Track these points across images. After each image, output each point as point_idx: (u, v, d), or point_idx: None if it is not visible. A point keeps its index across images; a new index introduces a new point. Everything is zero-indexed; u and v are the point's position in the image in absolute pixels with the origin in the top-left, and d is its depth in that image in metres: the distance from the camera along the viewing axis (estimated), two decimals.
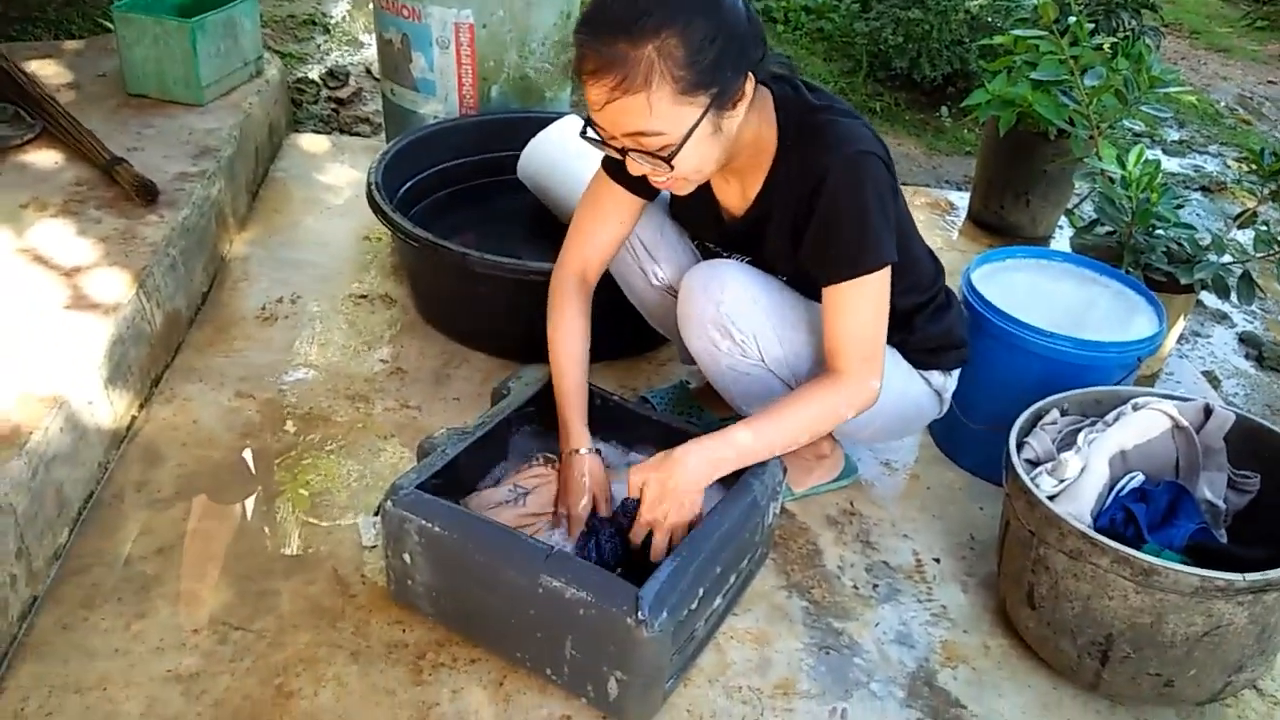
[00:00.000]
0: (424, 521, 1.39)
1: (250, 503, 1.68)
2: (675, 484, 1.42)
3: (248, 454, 1.78)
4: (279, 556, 1.58)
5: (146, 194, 2.10)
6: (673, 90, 1.28)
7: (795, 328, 1.56)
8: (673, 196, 1.69)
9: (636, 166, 1.37)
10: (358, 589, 1.53)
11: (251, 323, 2.13)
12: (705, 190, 1.59)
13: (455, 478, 1.54)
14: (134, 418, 1.82)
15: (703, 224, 1.66)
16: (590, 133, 1.38)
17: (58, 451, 1.53)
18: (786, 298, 1.57)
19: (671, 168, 1.34)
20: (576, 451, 1.56)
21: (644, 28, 1.25)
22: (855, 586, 1.65)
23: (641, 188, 1.60)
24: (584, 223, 1.66)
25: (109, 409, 1.71)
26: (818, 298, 1.50)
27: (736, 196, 1.57)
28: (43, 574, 1.48)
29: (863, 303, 1.47)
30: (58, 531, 1.53)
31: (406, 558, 1.43)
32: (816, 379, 1.50)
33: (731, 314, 1.52)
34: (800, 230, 1.47)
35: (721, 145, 1.39)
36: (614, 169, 1.59)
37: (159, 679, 1.36)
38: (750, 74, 1.36)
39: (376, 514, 1.44)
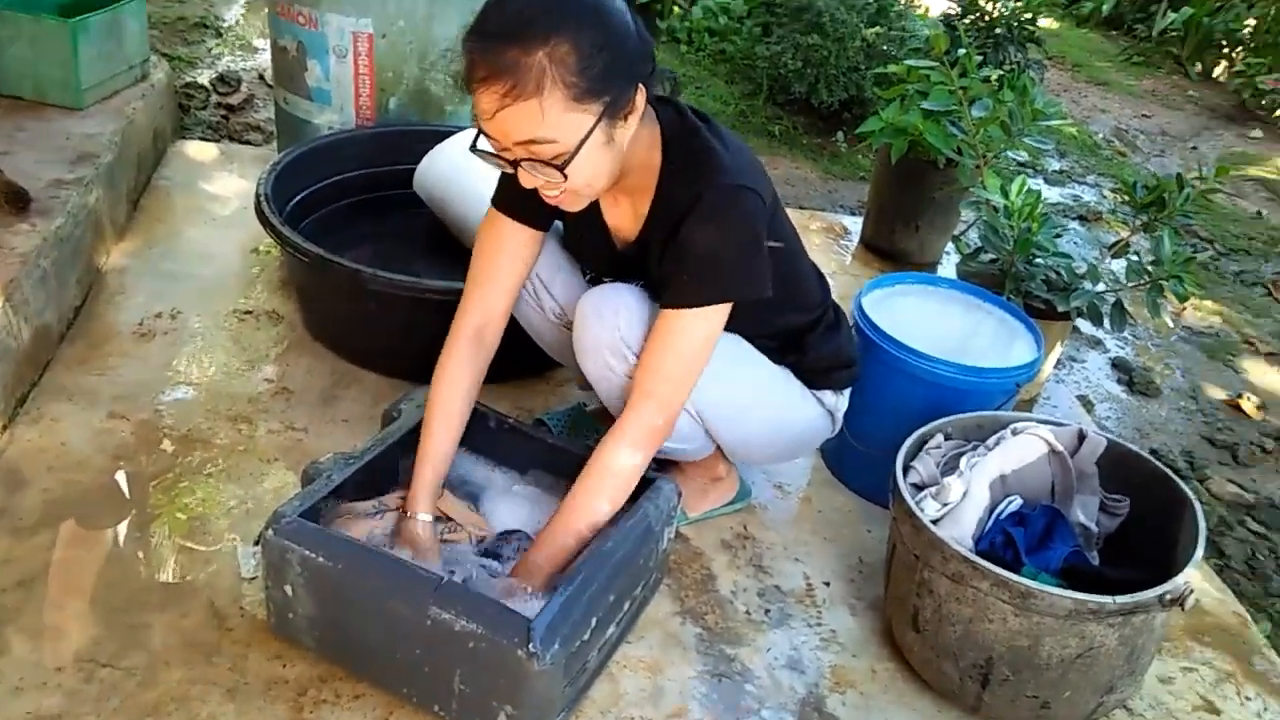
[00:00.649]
0: (307, 551, 1.34)
1: (122, 530, 1.60)
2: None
3: (120, 478, 1.70)
4: (151, 587, 1.51)
5: (17, 201, 1.99)
6: (564, 96, 1.27)
7: None
8: (565, 226, 1.68)
9: (529, 178, 1.35)
10: (235, 622, 1.47)
11: (127, 339, 2.04)
12: (597, 215, 1.58)
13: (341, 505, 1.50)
14: None
15: (595, 250, 1.65)
16: (481, 144, 1.35)
17: None
18: None
19: (565, 177, 1.33)
20: (414, 516, 1.51)
21: (534, 34, 1.24)
22: (748, 612, 1.67)
23: (534, 217, 1.58)
24: (481, 269, 1.60)
25: None
26: None
27: (628, 219, 1.56)
28: None
29: (688, 335, 1.45)
30: None
31: (288, 589, 1.38)
32: (603, 442, 1.48)
33: (627, 338, 1.51)
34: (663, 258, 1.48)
35: (613, 157, 1.38)
36: (506, 201, 1.57)
37: None
38: (642, 86, 1.36)
39: (257, 543, 1.39)
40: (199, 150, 2.87)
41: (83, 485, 1.67)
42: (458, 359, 1.57)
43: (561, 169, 1.31)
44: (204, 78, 3.42)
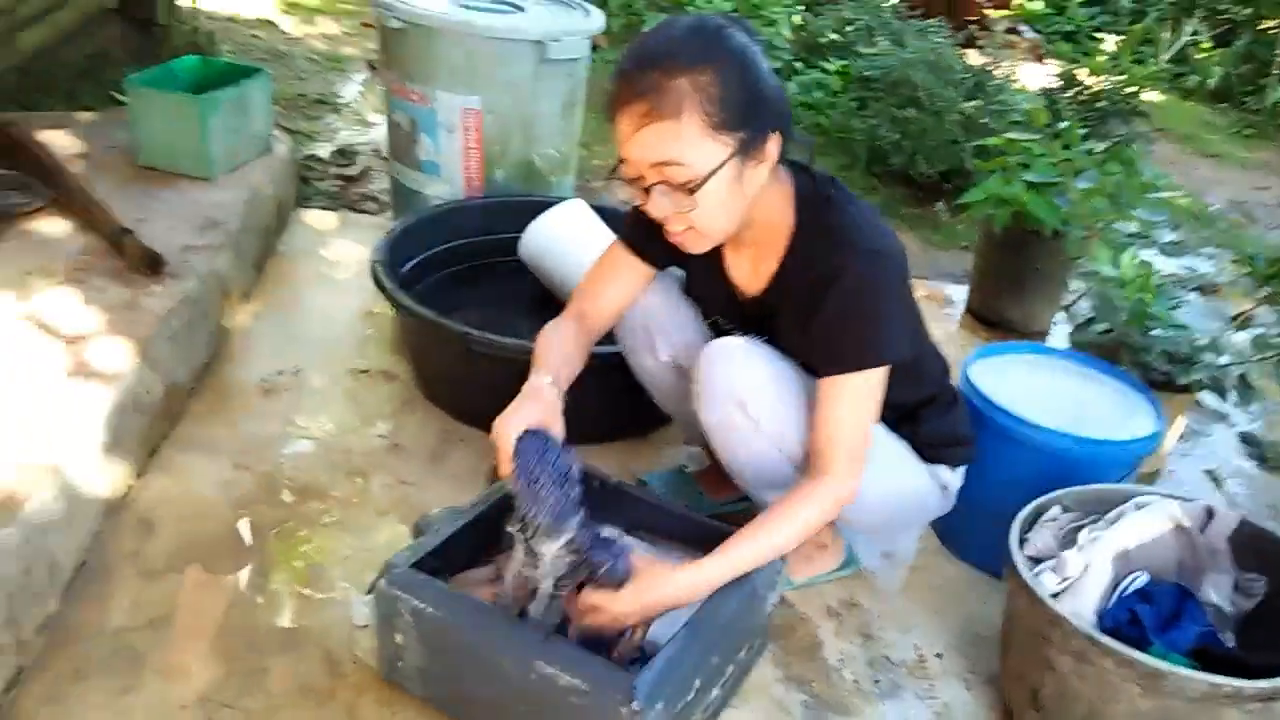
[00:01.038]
0: (417, 602, 1.36)
1: (243, 576, 1.65)
2: (646, 605, 1.38)
3: (242, 526, 1.76)
4: (270, 632, 1.55)
5: (152, 265, 2.11)
6: (702, 123, 1.32)
7: (807, 411, 1.56)
8: (688, 275, 1.70)
9: (658, 206, 1.38)
10: (348, 668, 1.49)
11: (252, 394, 2.13)
12: (718, 266, 1.61)
13: (449, 557, 1.52)
14: (130, 487, 1.80)
15: (715, 300, 1.67)
16: (618, 171, 1.40)
17: (51, 519, 1.50)
18: (801, 381, 1.57)
19: (694, 204, 1.35)
20: (537, 378, 1.51)
21: (679, 63, 1.31)
22: (856, 680, 1.62)
23: (653, 254, 1.64)
24: (592, 280, 1.69)
25: (105, 478, 1.69)
26: None
27: (749, 275, 1.59)
28: (31, 644, 1.45)
29: (854, 398, 1.47)
30: (47, 601, 1.50)
31: (398, 638, 1.40)
32: (796, 488, 1.48)
33: (748, 390, 1.52)
34: (808, 321, 1.49)
35: (741, 200, 1.41)
36: (630, 234, 1.64)
37: None
38: (777, 135, 1.40)
39: (369, 592, 1.42)
40: (318, 219, 3.01)
41: (207, 532, 1.73)
42: (561, 323, 1.63)
43: (692, 192, 1.34)
44: (323, 151, 3.59)
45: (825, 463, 1.48)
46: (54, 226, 2.27)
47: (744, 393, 1.52)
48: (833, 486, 1.47)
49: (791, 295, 1.52)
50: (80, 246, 2.20)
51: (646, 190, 1.38)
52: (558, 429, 1.44)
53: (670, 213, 1.39)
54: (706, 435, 1.61)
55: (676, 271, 1.76)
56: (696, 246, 1.46)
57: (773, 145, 1.41)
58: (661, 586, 1.38)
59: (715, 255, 1.62)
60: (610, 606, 1.36)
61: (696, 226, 1.40)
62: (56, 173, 2.39)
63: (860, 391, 1.47)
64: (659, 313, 1.73)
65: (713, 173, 1.35)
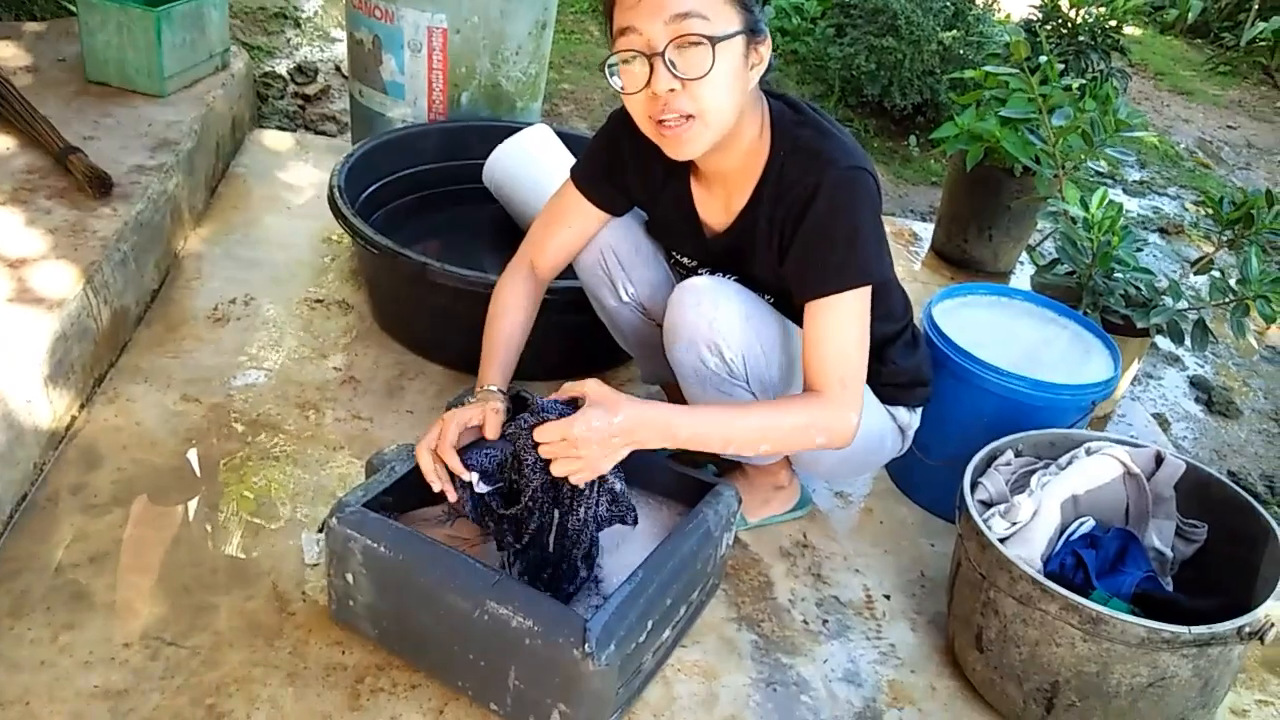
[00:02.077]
0: (369, 541, 1.35)
1: (191, 511, 1.63)
2: (616, 439, 1.33)
3: (191, 459, 1.74)
4: (218, 569, 1.53)
5: (100, 186, 2.04)
6: None
7: (783, 352, 1.54)
8: (652, 216, 1.67)
9: (665, 80, 1.32)
10: (297, 607, 1.49)
11: (202, 323, 2.08)
12: (687, 203, 1.58)
13: (403, 496, 1.51)
14: (74, 418, 1.76)
15: (685, 239, 1.64)
16: (614, 61, 1.35)
17: None
18: (776, 321, 1.55)
19: (707, 68, 1.30)
20: (484, 388, 1.52)
21: None
22: (805, 621, 1.64)
23: (608, 201, 1.61)
24: (543, 222, 1.67)
25: (48, 408, 1.66)
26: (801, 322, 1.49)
27: (720, 210, 1.56)
28: None
29: (846, 320, 1.43)
30: None
31: (349, 577, 1.39)
32: (800, 395, 1.46)
33: (724, 331, 1.49)
34: (787, 246, 1.46)
35: (740, 95, 1.38)
36: (585, 175, 1.61)
37: (85, 695, 1.31)
38: (769, 41, 1.39)
39: (320, 530, 1.41)
40: (276, 140, 2.92)
41: (154, 465, 1.70)
42: (513, 281, 1.65)
43: (714, 45, 1.30)
44: (282, 68, 3.48)
45: (821, 388, 1.43)
46: None
47: (718, 334, 1.49)
48: (827, 407, 1.42)
49: (766, 223, 1.49)
50: (25, 165, 2.13)
51: (650, 65, 1.32)
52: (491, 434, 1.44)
53: (678, 88, 1.33)
54: (678, 377, 1.59)
55: (638, 211, 1.72)
56: (693, 143, 1.38)
57: (765, 49, 1.39)
58: (635, 408, 1.33)
59: (683, 192, 1.58)
60: (581, 426, 1.30)
61: (701, 107, 1.34)
62: None
63: (852, 311, 1.43)
64: (621, 251, 1.70)
65: (730, 36, 1.31)
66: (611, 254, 1.69)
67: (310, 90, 3.40)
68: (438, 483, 1.41)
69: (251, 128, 2.95)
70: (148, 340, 2.00)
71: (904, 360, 1.68)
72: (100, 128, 2.32)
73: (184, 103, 2.52)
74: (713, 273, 1.62)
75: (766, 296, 1.58)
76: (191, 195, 2.38)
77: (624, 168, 1.59)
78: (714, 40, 1.30)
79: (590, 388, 1.37)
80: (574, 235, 1.65)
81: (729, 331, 1.49)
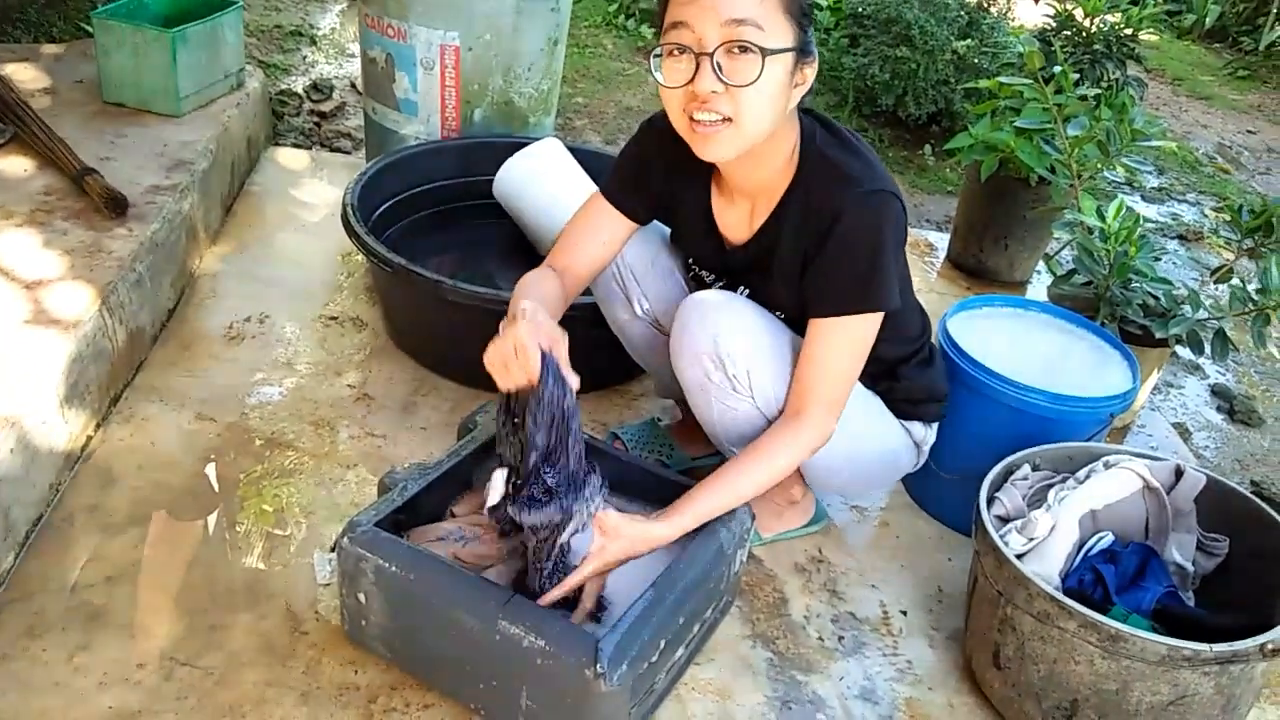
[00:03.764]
0: (380, 561, 1.35)
1: (205, 530, 1.64)
2: (624, 555, 1.40)
3: (206, 479, 1.74)
4: (232, 589, 1.53)
5: (116, 206, 2.06)
6: (781, 0, 1.30)
7: (791, 368, 1.54)
8: (674, 225, 1.66)
9: (709, 80, 1.31)
10: (311, 626, 1.49)
11: (217, 341, 2.09)
12: (707, 215, 1.58)
13: (415, 515, 1.51)
14: (89, 438, 1.77)
15: (700, 250, 1.64)
16: (659, 52, 1.35)
17: (7, 472, 1.48)
18: (784, 336, 1.55)
19: (753, 77, 1.30)
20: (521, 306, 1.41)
21: None
22: (820, 638, 1.63)
23: (637, 211, 1.61)
24: (570, 233, 1.64)
25: (64, 428, 1.67)
26: None
27: (740, 224, 1.56)
28: None
29: (847, 342, 1.46)
30: (2, 556, 1.48)
31: (361, 597, 1.39)
32: (771, 431, 1.48)
33: (728, 347, 1.49)
34: (808, 264, 1.46)
35: (780, 112, 1.37)
36: (614, 189, 1.60)
37: (100, 716, 1.32)
38: (815, 63, 1.39)
39: (333, 550, 1.41)
40: (291, 157, 2.94)
41: (170, 485, 1.71)
42: (541, 272, 1.58)
43: (764, 56, 1.29)
44: (298, 85, 3.50)
45: (804, 405, 1.47)
46: (15, 165, 2.21)
47: (723, 349, 1.49)
48: (808, 431, 1.46)
49: (790, 239, 1.48)
50: (42, 186, 2.15)
51: (697, 63, 1.31)
52: (561, 351, 1.37)
53: (721, 90, 1.32)
54: (684, 391, 1.58)
55: (657, 226, 1.72)
56: (723, 146, 1.37)
57: (811, 70, 1.39)
58: (622, 545, 1.38)
59: (704, 202, 1.58)
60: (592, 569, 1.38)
61: (740, 114, 1.33)
62: (16, 108, 2.32)
63: (854, 336, 1.45)
64: (636, 266, 1.69)
65: (781, 51, 1.31)
66: (627, 269, 1.69)
67: (326, 107, 3.43)
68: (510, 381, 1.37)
69: (267, 145, 2.97)
70: (163, 359, 2.01)
71: (918, 377, 1.67)
72: (116, 148, 2.34)
73: (199, 122, 2.54)
74: (728, 287, 1.61)
75: (779, 313, 1.57)
76: (207, 214, 2.40)
77: (650, 177, 1.59)
78: (765, 51, 1.30)
79: (599, 536, 1.38)
80: (602, 247, 1.63)
81: (733, 345, 1.49)
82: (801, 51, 1.35)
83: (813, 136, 1.47)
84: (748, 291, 1.60)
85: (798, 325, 1.56)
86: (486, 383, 2.02)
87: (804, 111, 1.49)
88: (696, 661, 1.54)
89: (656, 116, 1.54)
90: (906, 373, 1.65)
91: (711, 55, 1.30)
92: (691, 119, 1.36)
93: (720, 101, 1.33)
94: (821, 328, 1.45)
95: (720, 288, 1.64)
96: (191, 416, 1.87)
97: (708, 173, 1.52)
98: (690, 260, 1.70)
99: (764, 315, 1.54)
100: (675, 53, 1.33)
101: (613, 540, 1.38)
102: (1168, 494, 1.61)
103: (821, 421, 1.47)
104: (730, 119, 1.34)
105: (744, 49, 1.30)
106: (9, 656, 1.38)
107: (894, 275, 1.45)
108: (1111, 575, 1.51)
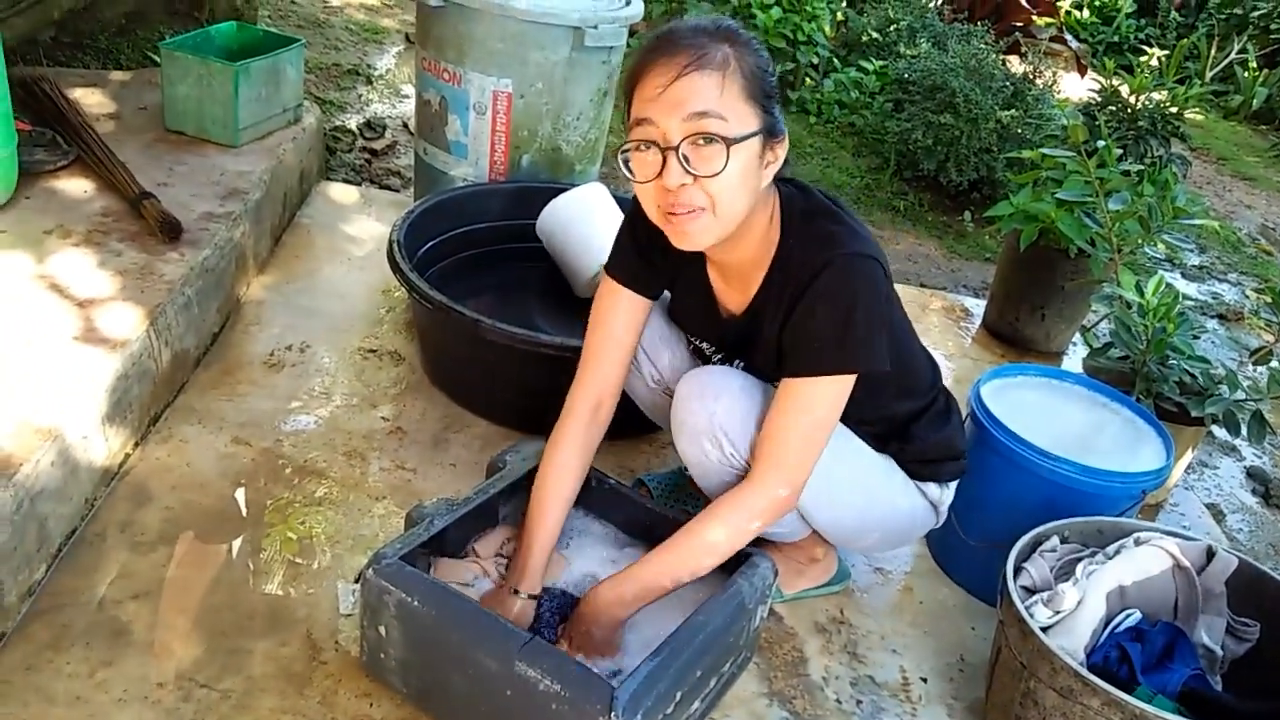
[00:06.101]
0: (403, 594, 1.36)
1: (233, 553, 1.66)
2: (586, 630, 1.46)
3: (237, 502, 1.77)
4: (255, 613, 1.55)
5: (170, 231, 2.11)
6: (741, 87, 1.32)
7: None
8: (673, 296, 1.68)
9: (676, 174, 1.32)
10: (330, 656, 1.50)
11: (258, 368, 2.13)
12: (705, 288, 1.59)
13: (441, 550, 1.52)
14: (127, 455, 1.81)
15: (702, 323, 1.65)
16: (628, 148, 1.36)
17: (46, 485, 1.51)
18: None
19: (720, 167, 1.31)
20: (516, 591, 1.51)
21: (721, 32, 1.34)
22: (839, 700, 1.61)
23: (646, 285, 1.60)
24: (595, 343, 1.60)
25: (103, 445, 1.70)
26: None
27: (735, 296, 1.57)
28: (14, 610, 1.46)
29: (814, 404, 1.43)
30: (35, 567, 1.51)
31: (382, 629, 1.40)
32: (729, 493, 1.47)
33: (724, 425, 1.50)
34: (784, 329, 1.47)
35: (753, 192, 1.38)
36: (621, 267, 1.59)
37: None
38: (785, 141, 1.40)
39: (356, 581, 1.42)
40: (341, 192, 3.01)
41: (202, 506, 1.74)
42: (572, 438, 1.58)
43: (728, 145, 1.31)
44: (352, 122, 3.59)
45: (767, 468, 1.44)
46: (77, 186, 2.28)
47: (718, 427, 1.49)
48: (754, 495, 1.44)
49: (774, 306, 1.49)
50: (101, 208, 2.21)
51: (664, 158, 1.33)
52: None
53: (690, 182, 1.33)
54: (685, 464, 1.59)
55: (663, 299, 1.74)
56: (701, 235, 1.38)
57: (782, 149, 1.40)
58: (582, 622, 1.46)
59: (703, 277, 1.59)
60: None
61: (714, 202, 1.34)
62: (82, 131, 2.40)
63: (820, 398, 1.42)
64: (646, 340, 1.69)
65: (747, 137, 1.33)
66: (638, 347, 1.70)
67: (378, 145, 3.51)
68: None
69: (319, 179, 3.04)
70: (205, 382, 2.05)
71: (933, 433, 1.65)
72: (174, 175, 2.41)
73: (256, 154, 2.61)
74: (726, 360, 1.62)
75: (774, 383, 1.57)
76: (257, 243, 2.45)
77: (650, 251, 1.57)
78: (729, 141, 1.31)
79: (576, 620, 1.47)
80: (624, 330, 1.61)
81: (730, 425, 1.49)
82: (769, 133, 1.36)
83: (791, 203, 1.48)
84: (743, 364, 1.61)
85: None
86: (517, 422, 2.07)
87: (784, 181, 1.50)
88: (712, 717, 1.53)
89: None
90: (919, 431, 1.63)
91: (676, 149, 1.32)
92: (667, 212, 1.37)
93: (692, 193, 1.34)
94: (788, 388, 1.44)
95: (719, 360, 1.65)
96: (228, 440, 1.90)
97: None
98: (690, 335, 1.71)
99: (759, 389, 1.54)
100: (642, 148, 1.35)
101: (580, 619, 1.47)
102: (1198, 575, 1.59)
103: (770, 484, 1.44)
104: (704, 207, 1.35)
105: (708, 140, 1.31)
106: (34, 668, 1.40)
107: (874, 337, 1.42)
108: (1138, 654, 1.49)
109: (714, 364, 1.64)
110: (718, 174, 1.32)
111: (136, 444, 1.84)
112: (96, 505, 1.69)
